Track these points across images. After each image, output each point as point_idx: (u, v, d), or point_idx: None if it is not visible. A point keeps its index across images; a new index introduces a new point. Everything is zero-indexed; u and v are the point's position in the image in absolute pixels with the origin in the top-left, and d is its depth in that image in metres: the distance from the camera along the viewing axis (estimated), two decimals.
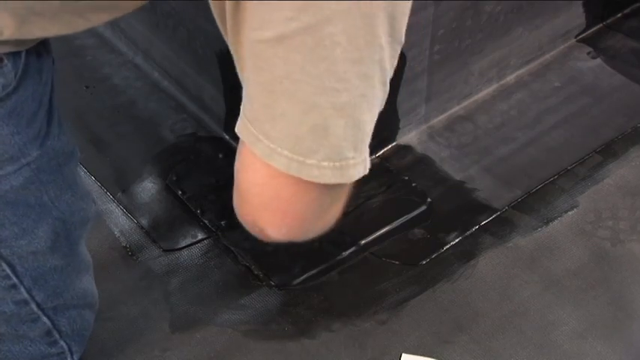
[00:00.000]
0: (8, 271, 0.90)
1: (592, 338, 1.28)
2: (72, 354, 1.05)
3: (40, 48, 0.82)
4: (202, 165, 1.54)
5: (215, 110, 1.56)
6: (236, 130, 0.72)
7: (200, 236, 1.42)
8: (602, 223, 1.44)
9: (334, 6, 0.62)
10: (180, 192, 1.48)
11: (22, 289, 0.93)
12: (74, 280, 1.00)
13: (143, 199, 1.48)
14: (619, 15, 1.83)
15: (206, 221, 1.44)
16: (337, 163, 0.70)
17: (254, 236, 1.42)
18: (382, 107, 0.73)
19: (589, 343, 1.27)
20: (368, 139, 0.72)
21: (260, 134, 0.69)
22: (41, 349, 1.01)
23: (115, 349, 1.28)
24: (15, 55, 0.78)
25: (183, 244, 1.41)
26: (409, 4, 0.68)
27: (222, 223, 1.43)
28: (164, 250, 1.40)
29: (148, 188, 1.50)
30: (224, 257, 1.39)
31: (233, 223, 1.43)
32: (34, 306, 0.95)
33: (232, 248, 1.40)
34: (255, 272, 1.37)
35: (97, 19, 0.79)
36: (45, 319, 0.98)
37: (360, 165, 0.73)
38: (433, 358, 1.25)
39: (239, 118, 0.72)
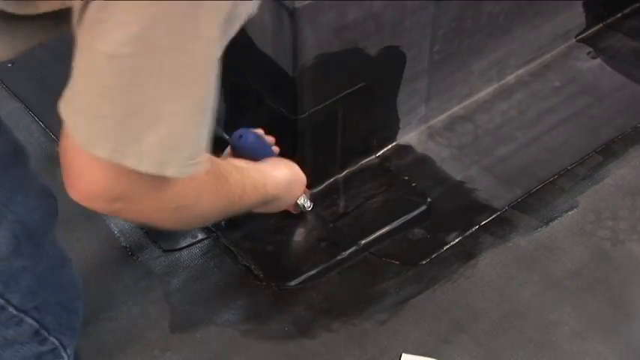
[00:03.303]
0: None
1: (592, 338, 1.28)
2: (65, 348, 1.05)
3: None
4: None
5: (215, 110, 1.56)
6: (61, 109, 0.76)
7: (200, 236, 1.42)
8: (602, 223, 1.44)
9: (163, 39, 0.70)
10: None
11: None
12: (49, 277, 0.99)
13: None
14: (619, 15, 1.83)
15: None
16: (190, 161, 0.79)
17: (254, 236, 1.43)
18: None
19: (589, 343, 1.27)
20: (201, 142, 0.81)
21: (85, 122, 0.75)
22: (33, 349, 1.00)
23: (115, 349, 1.28)
24: None
25: (183, 244, 1.41)
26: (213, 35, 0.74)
27: (222, 223, 1.43)
28: (164, 250, 1.40)
29: None
30: (224, 257, 1.39)
31: (233, 223, 1.43)
32: (12, 309, 0.94)
33: (232, 248, 1.40)
34: (255, 272, 1.37)
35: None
36: (29, 320, 0.97)
37: (201, 164, 0.81)
38: (433, 358, 1.25)
39: (67, 100, 0.76)
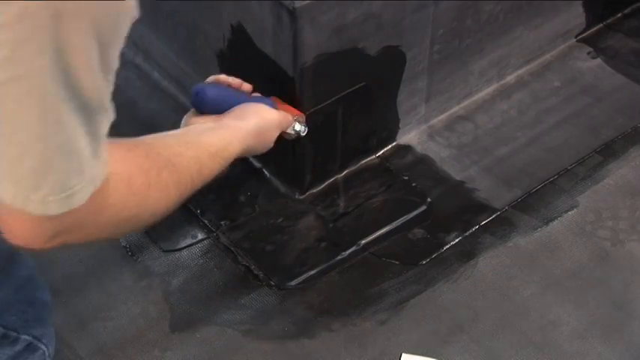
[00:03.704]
0: None
1: (592, 338, 1.28)
2: (39, 339, 1.03)
3: None
4: None
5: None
6: None
7: (200, 236, 1.42)
8: (602, 223, 1.44)
9: (38, 61, 0.64)
10: None
11: None
12: (2, 279, 0.97)
13: None
14: (619, 15, 1.83)
15: (206, 221, 1.44)
16: (63, 195, 0.72)
17: (254, 236, 1.42)
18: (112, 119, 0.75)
19: (589, 343, 1.27)
20: (92, 156, 0.74)
21: None
22: (7, 352, 0.99)
23: (115, 349, 1.28)
24: None
25: (183, 244, 1.41)
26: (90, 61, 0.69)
27: (222, 223, 1.43)
28: (164, 250, 1.40)
29: None
30: (224, 257, 1.39)
31: (233, 223, 1.43)
32: None
33: (232, 248, 1.40)
34: (255, 272, 1.37)
35: None
36: None
37: (86, 186, 0.74)
38: (433, 358, 1.25)
39: None
